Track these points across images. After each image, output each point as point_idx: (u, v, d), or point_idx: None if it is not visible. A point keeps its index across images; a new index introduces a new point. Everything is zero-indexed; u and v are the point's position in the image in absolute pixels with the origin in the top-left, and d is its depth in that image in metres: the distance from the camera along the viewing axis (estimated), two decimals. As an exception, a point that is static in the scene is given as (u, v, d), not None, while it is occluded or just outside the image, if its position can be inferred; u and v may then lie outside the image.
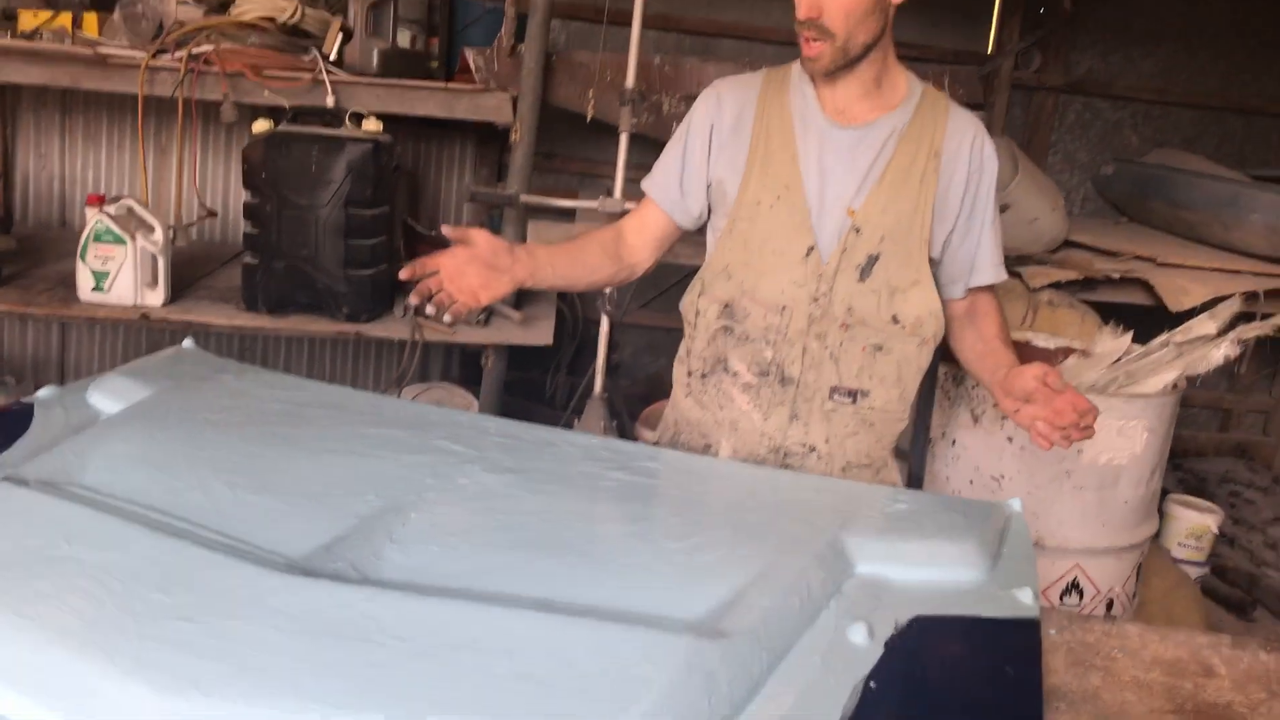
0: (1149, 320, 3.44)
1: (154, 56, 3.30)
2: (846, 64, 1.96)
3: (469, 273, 1.89)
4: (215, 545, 1.33)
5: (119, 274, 3.27)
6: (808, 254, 2.02)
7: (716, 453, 2.15)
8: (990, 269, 2.14)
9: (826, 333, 2.04)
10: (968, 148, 2.07)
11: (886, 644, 1.32)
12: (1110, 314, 3.43)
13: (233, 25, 3.39)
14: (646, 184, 2.18)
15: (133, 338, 4.39)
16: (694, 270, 2.17)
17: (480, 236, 1.91)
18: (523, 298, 3.80)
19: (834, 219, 2.02)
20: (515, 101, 3.51)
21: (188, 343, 2.13)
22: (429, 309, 1.88)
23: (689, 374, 2.18)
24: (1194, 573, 3.82)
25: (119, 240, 3.24)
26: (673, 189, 2.14)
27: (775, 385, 2.08)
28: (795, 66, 2.10)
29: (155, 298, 3.32)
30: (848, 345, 2.05)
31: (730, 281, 2.08)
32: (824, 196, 2.03)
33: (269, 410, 1.84)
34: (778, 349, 2.06)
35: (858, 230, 2.02)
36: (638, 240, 2.17)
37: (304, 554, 1.34)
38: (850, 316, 2.04)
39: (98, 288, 3.27)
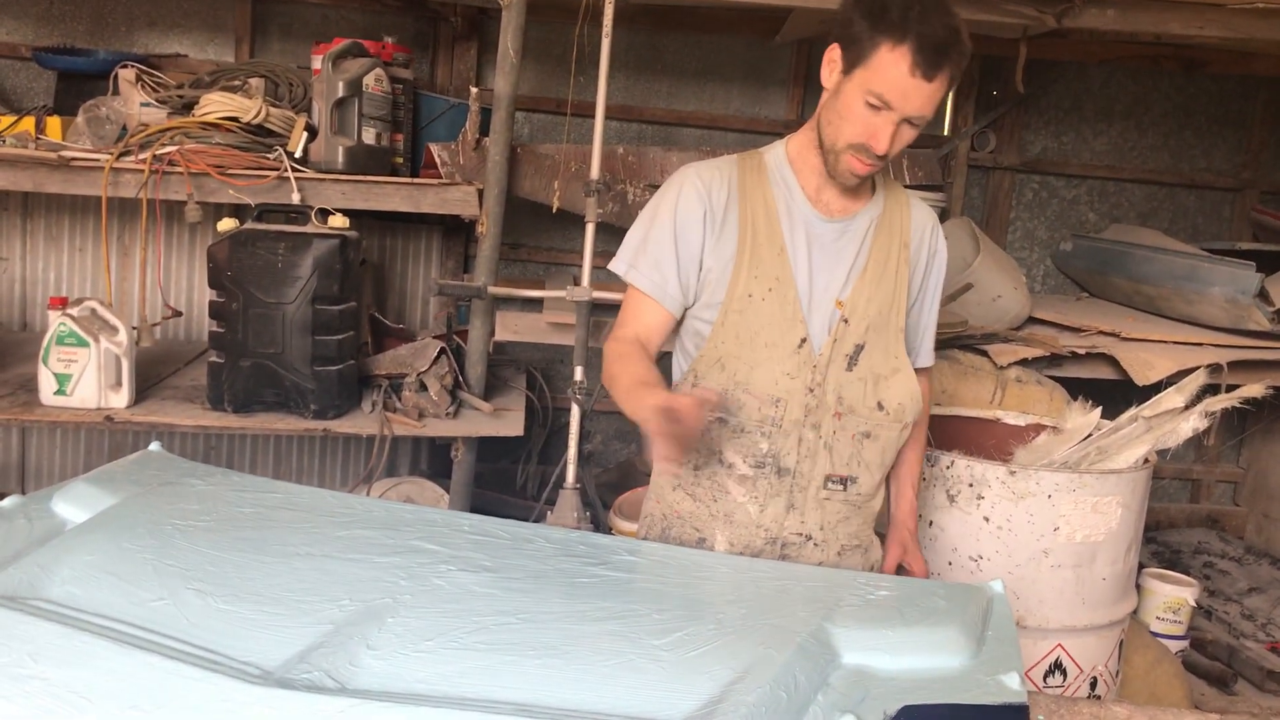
0: (1116, 394, 3.48)
1: (118, 159, 3.30)
2: None
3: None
4: (187, 658, 1.29)
5: (82, 376, 3.22)
6: (800, 345, 2.03)
7: (712, 546, 2.11)
8: (927, 355, 2.28)
9: (821, 423, 2.05)
10: (927, 239, 2.17)
11: (877, 737, 1.31)
12: (1077, 390, 3.46)
13: (197, 126, 3.40)
14: (643, 283, 2.07)
15: (96, 440, 4.33)
16: (663, 355, 2.15)
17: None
18: (492, 389, 3.78)
19: (823, 310, 2.04)
20: (481, 194, 3.53)
21: (154, 446, 2.10)
22: None
23: (680, 466, 2.13)
24: (1174, 647, 3.80)
25: (82, 343, 3.21)
26: (671, 286, 2.06)
27: (772, 476, 2.06)
28: (769, 155, 2.10)
29: (119, 400, 3.27)
30: (840, 434, 2.07)
31: (724, 373, 2.05)
32: (813, 288, 2.04)
33: (238, 514, 1.81)
34: (773, 440, 2.05)
35: (846, 321, 2.05)
36: (653, 347, 2.10)
37: (279, 664, 1.31)
38: (841, 405, 2.05)
39: (60, 391, 3.22)
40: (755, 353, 2.03)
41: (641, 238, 2.08)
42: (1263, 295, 3.87)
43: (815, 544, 2.11)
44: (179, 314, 3.95)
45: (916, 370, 2.21)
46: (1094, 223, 5.12)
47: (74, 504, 1.75)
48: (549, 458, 4.65)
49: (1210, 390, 3.03)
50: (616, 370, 2.01)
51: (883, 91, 1.86)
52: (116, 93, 3.59)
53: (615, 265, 2.12)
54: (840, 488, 2.09)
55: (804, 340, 2.03)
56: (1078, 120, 5.05)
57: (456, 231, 4.53)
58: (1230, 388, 3.05)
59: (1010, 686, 1.46)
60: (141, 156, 3.31)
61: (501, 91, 3.46)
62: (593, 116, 3.53)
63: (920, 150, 4.50)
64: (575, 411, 3.56)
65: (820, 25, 3.93)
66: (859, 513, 2.15)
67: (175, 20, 4.41)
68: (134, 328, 3.38)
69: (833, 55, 1.94)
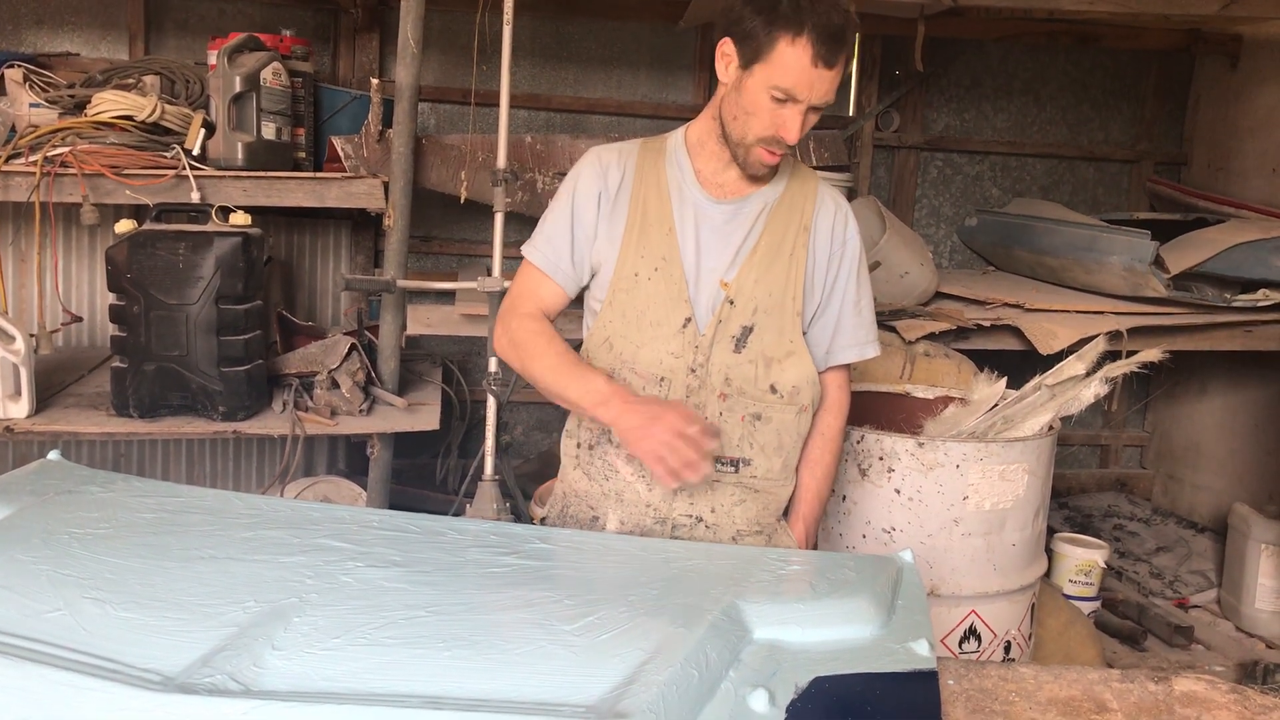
0: (1022, 365, 3.55)
1: (7, 161, 3.20)
2: None
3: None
4: (84, 668, 1.26)
5: (-22, 387, 3.13)
6: (684, 325, 2.04)
7: (604, 525, 2.13)
8: (853, 348, 2.20)
9: (705, 404, 2.06)
10: (830, 226, 2.13)
11: (788, 709, 1.32)
12: (984, 361, 3.52)
13: (90, 126, 3.32)
14: (537, 258, 2.12)
15: (-3, 452, 4.21)
16: (577, 344, 2.17)
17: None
18: (407, 384, 3.75)
19: (709, 291, 2.05)
20: (386, 187, 3.49)
21: (54, 454, 2.05)
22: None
23: (577, 445, 2.18)
24: (1086, 608, 3.90)
25: (-24, 352, 3.11)
26: (564, 262, 2.11)
27: None
28: (671, 139, 2.13)
29: (19, 409, 3.18)
30: (727, 415, 2.07)
31: (611, 353, 2.09)
32: (700, 269, 2.06)
33: (139, 520, 1.77)
34: None
35: (731, 302, 2.05)
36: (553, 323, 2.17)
37: (180, 669, 1.28)
38: (728, 387, 2.06)
39: (-45, 403, 3.13)
40: (641, 332, 2.06)
41: (544, 218, 2.15)
42: (1158, 263, 3.98)
43: (707, 526, 2.10)
44: (79, 319, 3.86)
45: (834, 367, 2.21)
46: (997, 198, 5.22)
47: (-35, 517, 1.70)
48: (469, 451, 4.62)
49: (1111, 357, 3.11)
50: (540, 347, 2.06)
51: (788, 85, 1.88)
52: (3, 93, 3.49)
53: (525, 245, 2.17)
54: (731, 469, 2.09)
55: (688, 320, 2.04)
56: (978, 97, 5.14)
57: (365, 226, 4.47)
58: (1131, 354, 3.13)
59: (920, 653, 1.49)
60: (32, 159, 3.22)
61: (403, 82, 3.42)
62: (498, 106, 3.51)
63: (825, 131, 4.54)
64: (491, 403, 3.54)
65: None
66: (757, 497, 2.12)
67: (65, 17, 4.29)
68: (32, 335, 3.29)
69: (726, 49, 1.95)
